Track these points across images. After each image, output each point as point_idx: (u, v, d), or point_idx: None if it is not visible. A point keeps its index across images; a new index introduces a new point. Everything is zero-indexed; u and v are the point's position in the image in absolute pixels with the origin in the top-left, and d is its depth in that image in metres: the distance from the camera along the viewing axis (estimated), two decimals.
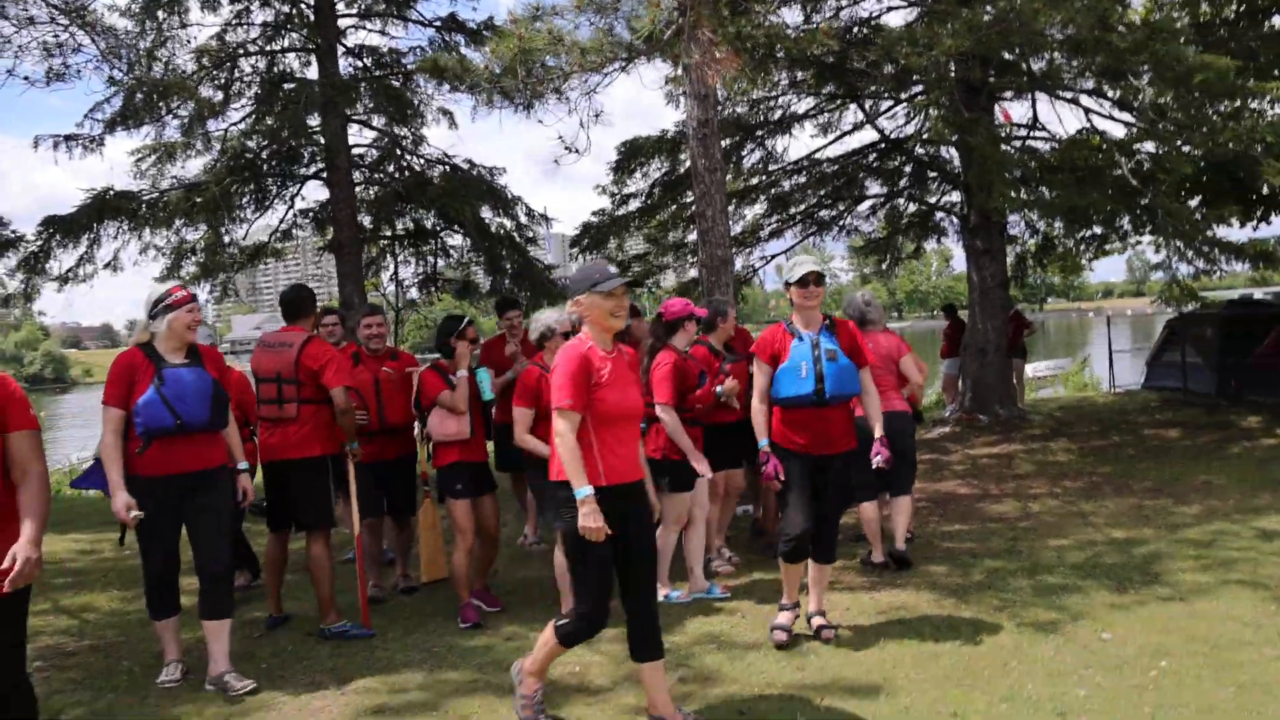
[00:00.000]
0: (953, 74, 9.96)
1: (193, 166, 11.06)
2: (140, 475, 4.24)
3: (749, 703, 3.90)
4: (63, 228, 10.35)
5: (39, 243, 10.40)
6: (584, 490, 3.36)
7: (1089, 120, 11.36)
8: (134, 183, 10.76)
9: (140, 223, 10.63)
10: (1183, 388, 13.38)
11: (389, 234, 12.22)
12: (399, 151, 11.74)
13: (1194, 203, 12.11)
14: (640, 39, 6.11)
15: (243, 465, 4.73)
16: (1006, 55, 10.36)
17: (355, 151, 11.47)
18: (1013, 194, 9.94)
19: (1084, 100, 11.25)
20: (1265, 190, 9.77)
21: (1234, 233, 12.72)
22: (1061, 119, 39.12)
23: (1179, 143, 9.74)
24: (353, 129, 11.39)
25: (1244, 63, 10.14)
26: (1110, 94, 10.88)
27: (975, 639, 4.46)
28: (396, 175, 11.72)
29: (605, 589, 3.52)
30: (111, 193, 10.47)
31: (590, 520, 3.34)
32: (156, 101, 10.57)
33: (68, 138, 10.48)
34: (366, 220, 11.88)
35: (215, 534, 4.43)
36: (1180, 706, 3.59)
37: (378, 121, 11.75)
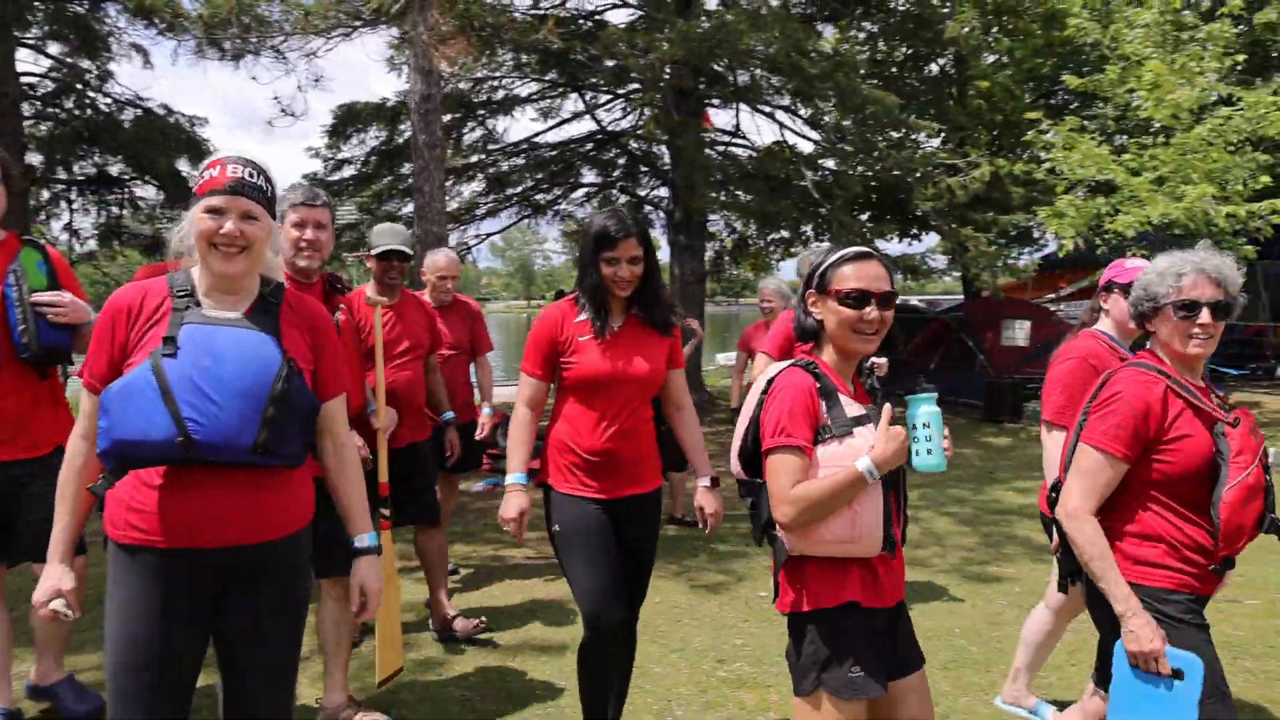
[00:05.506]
0: (667, 78, 10.63)
1: None
2: None
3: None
4: None
5: None
6: None
7: (783, 134, 12.59)
8: None
9: None
10: None
11: (64, 178, 10.99)
12: (81, 86, 10.58)
13: (864, 217, 13.78)
14: (370, 9, 6.00)
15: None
16: (716, 66, 11.23)
17: (25, 81, 10.19)
18: (713, 195, 10.80)
19: (780, 115, 12.43)
20: (919, 212, 11.33)
21: (892, 247, 14.63)
22: (760, 130, 42.64)
23: (854, 163, 11.09)
24: (23, 54, 10.11)
25: (907, 100, 11.65)
26: (802, 112, 12.11)
27: (654, 600, 4.93)
28: (77, 113, 10.56)
29: None
30: None
31: None
32: None
33: None
34: (37, 159, 10.61)
35: None
36: None
37: (54, 49, 10.50)
